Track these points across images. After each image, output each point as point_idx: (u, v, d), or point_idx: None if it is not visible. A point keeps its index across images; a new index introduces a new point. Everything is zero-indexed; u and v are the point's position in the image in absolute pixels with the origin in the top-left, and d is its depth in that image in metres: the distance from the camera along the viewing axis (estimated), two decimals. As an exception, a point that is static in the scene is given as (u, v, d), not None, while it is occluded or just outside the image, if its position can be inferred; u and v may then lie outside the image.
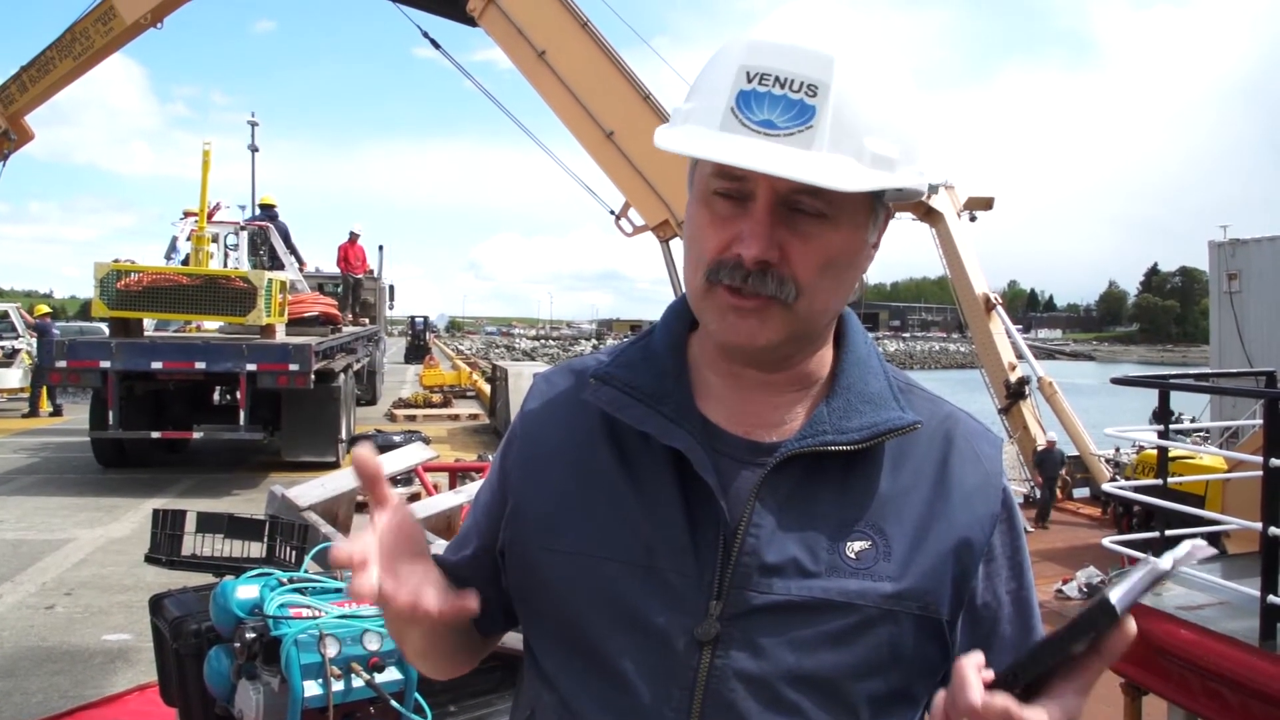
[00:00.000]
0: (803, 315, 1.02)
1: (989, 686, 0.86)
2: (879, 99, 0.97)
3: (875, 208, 1.04)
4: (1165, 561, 0.85)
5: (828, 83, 0.94)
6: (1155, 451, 5.40)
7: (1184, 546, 0.86)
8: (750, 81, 0.95)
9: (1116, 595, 0.84)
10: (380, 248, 23.32)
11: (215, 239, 15.89)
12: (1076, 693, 0.87)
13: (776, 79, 0.95)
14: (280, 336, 12.57)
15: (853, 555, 1.02)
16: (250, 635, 2.46)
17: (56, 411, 18.60)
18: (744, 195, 0.99)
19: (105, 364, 11.48)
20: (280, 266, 16.39)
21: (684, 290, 1.13)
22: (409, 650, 1.23)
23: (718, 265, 1.00)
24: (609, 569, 1.04)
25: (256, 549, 3.52)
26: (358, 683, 2.47)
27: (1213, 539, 6.35)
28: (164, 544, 3.68)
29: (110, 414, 11.67)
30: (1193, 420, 10.63)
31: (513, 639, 1.24)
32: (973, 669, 0.87)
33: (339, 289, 20.07)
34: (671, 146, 0.98)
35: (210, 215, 14.89)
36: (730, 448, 1.07)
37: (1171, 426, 4.98)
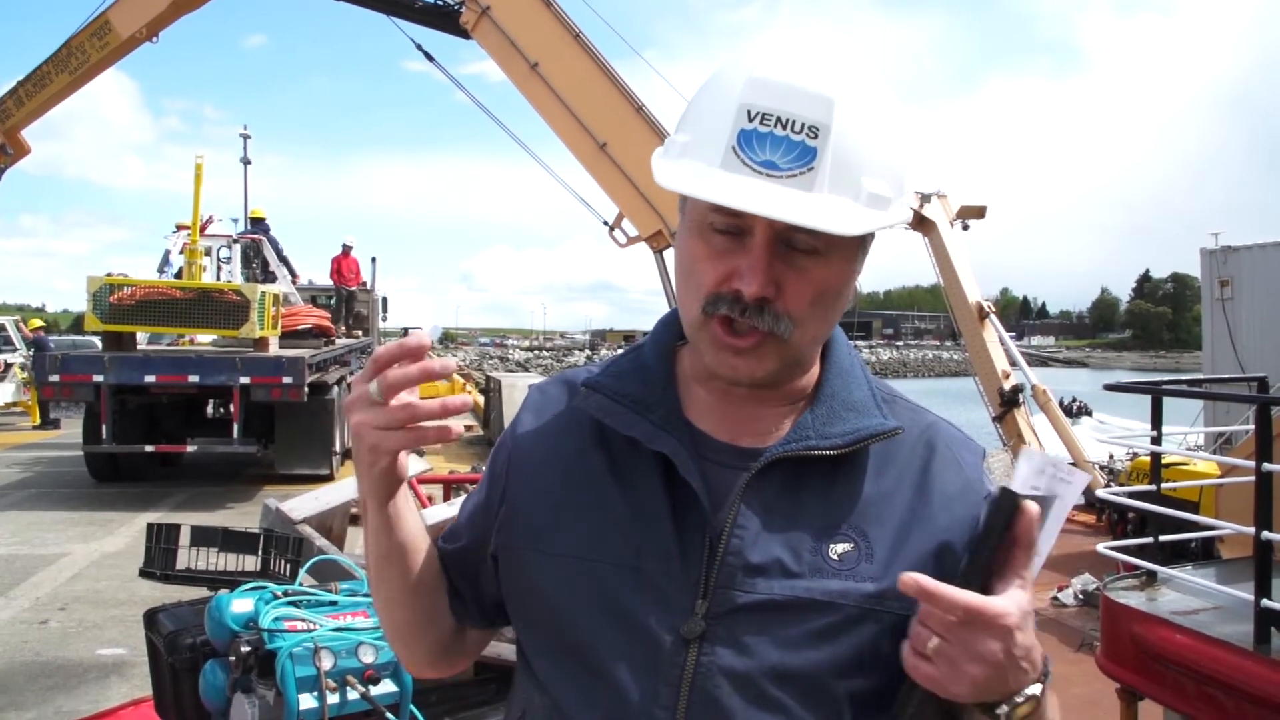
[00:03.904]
0: (796, 346, 1.05)
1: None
2: (874, 139, 1.00)
3: (865, 241, 1.08)
4: (1039, 455, 1.00)
5: (828, 125, 0.97)
6: (1149, 458, 5.42)
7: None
8: (751, 121, 0.98)
9: (1016, 485, 0.97)
10: (373, 260, 23.18)
11: (208, 252, 15.90)
12: (1020, 586, 0.96)
13: (778, 119, 0.97)
14: (274, 349, 12.54)
15: (835, 556, 1.05)
16: (245, 649, 2.46)
17: (54, 425, 18.57)
18: (741, 231, 1.01)
19: (98, 378, 11.43)
20: (273, 279, 16.38)
21: (676, 304, 1.15)
22: (371, 541, 1.17)
23: (715, 298, 1.03)
24: (598, 570, 1.07)
25: (251, 562, 3.52)
26: (353, 696, 2.47)
27: (1206, 545, 6.38)
28: (158, 558, 3.68)
29: (103, 428, 11.62)
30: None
31: (507, 651, 1.24)
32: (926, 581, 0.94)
33: (332, 301, 20.06)
34: (676, 186, 1.01)
35: (203, 228, 14.88)
36: (716, 453, 1.10)
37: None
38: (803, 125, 0.96)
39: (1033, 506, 0.96)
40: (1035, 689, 0.96)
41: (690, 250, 1.06)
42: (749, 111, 0.98)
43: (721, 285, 1.02)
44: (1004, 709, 0.95)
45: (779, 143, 0.97)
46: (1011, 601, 0.94)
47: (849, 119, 0.98)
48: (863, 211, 0.98)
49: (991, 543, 0.97)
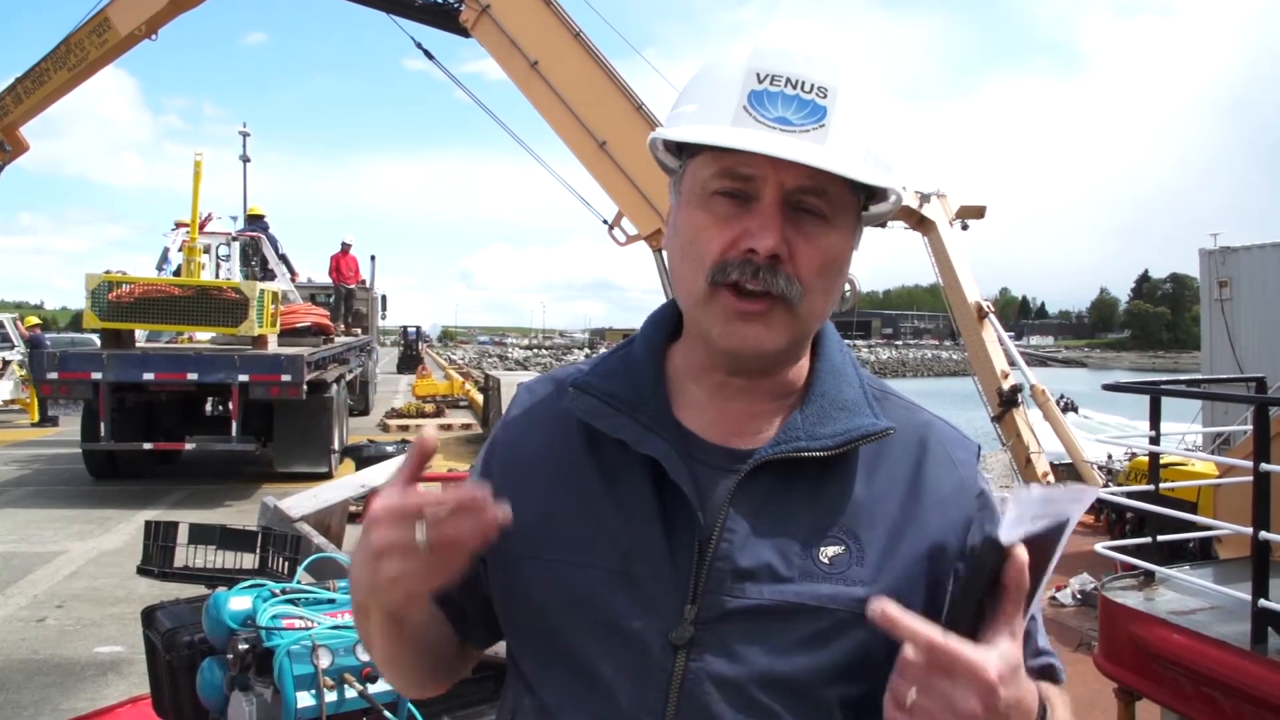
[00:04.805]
0: (803, 317, 1.04)
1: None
2: (874, 106, 1.02)
3: (860, 222, 1.08)
4: (1032, 491, 0.92)
5: (835, 86, 0.99)
6: (1147, 458, 5.42)
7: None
8: (761, 82, 0.99)
9: (1003, 531, 0.90)
10: (372, 258, 23.25)
11: (207, 250, 15.88)
12: (1010, 636, 0.90)
13: (788, 80, 0.99)
14: (272, 347, 12.52)
15: (826, 560, 1.03)
16: (243, 647, 2.46)
17: (52, 422, 18.56)
18: (748, 195, 1.01)
19: (97, 375, 11.42)
20: (272, 277, 16.37)
21: (673, 298, 1.14)
22: (379, 643, 1.11)
23: (724, 265, 1.01)
24: (587, 575, 1.05)
25: (249, 560, 3.52)
26: (351, 694, 2.46)
27: (1204, 545, 6.38)
28: (156, 556, 3.68)
29: (102, 425, 11.60)
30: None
31: (504, 649, 1.23)
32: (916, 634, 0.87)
33: (331, 299, 20.08)
34: (690, 138, 1.01)
35: (202, 226, 14.87)
36: (707, 455, 1.08)
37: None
38: (812, 85, 0.99)
39: (1021, 554, 0.89)
40: None
41: (691, 222, 1.04)
42: (758, 74, 0.99)
43: (729, 251, 1.01)
44: None
45: (790, 100, 0.99)
46: (995, 653, 0.87)
47: (853, 85, 1.00)
48: (871, 169, 1.00)
49: (975, 593, 0.91)
